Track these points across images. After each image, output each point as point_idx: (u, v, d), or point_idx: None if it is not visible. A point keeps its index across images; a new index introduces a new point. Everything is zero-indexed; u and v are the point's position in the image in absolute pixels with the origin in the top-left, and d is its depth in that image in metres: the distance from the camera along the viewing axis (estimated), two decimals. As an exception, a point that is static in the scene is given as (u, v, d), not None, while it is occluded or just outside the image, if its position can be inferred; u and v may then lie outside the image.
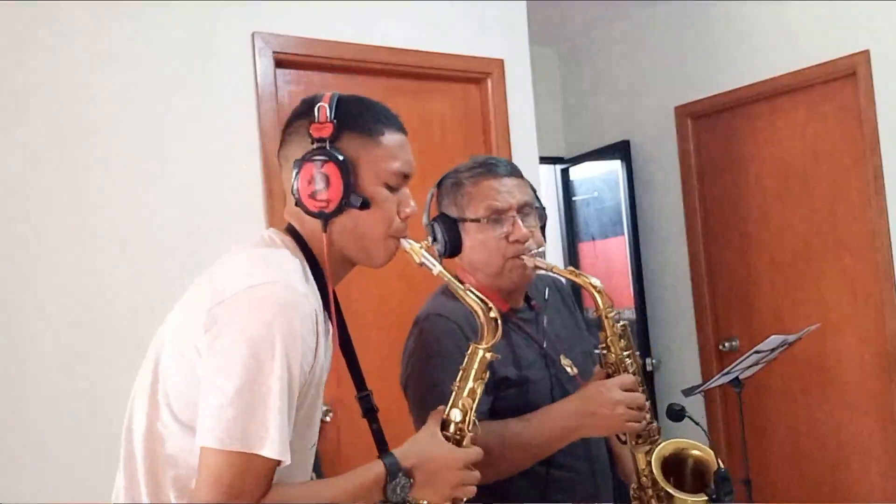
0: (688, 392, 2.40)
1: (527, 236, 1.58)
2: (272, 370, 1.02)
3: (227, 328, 1.04)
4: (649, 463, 1.53)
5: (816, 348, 3.26)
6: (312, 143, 1.17)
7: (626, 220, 3.89)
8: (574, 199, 4.33)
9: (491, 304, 1.23)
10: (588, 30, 4.19)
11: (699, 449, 1.57)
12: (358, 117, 1.20)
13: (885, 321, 3.07)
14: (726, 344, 3.63)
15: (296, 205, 1.19)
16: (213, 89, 2.39)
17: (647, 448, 1.55)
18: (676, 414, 1.57)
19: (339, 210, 1.16)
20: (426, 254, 1.22)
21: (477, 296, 1.23)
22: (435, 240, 1.62)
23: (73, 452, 2.07)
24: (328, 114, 1.17)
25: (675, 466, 1.56)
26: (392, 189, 1.21)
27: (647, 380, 3.78)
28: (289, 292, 1.07)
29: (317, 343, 1.09)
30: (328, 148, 1.16)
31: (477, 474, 1.19)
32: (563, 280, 1.77)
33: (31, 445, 2.04)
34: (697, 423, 1.52)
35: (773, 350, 2.29)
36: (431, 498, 1.17)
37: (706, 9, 3.63)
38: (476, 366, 1.23)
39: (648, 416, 1.54)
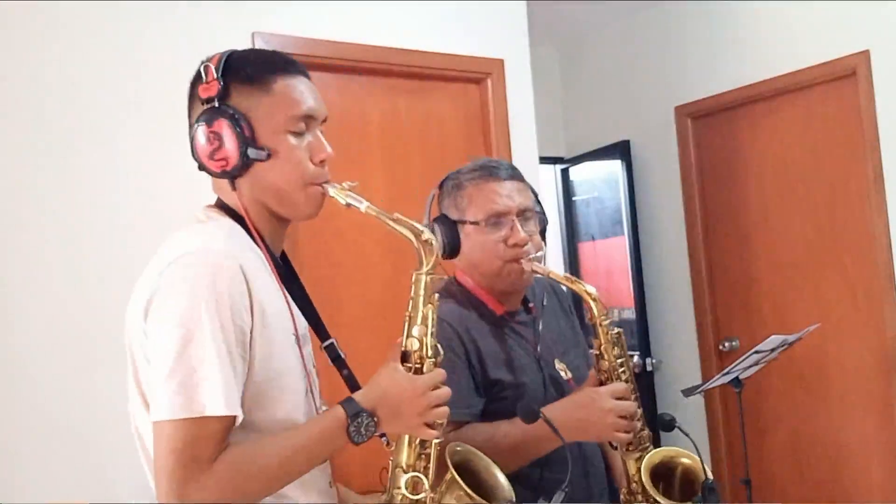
0: (688, 392, 2.40)
1: (525, 240, 1.58)
2: (203, 333, 1.03)
3: (156, 308, 1.07)
4: (639, 469, 1.54)
5: (816, 348, 3.26)
6: (203, 105, 1.16)
7: (626, 220, 3.89)
8: (574, 199, 4.33)
9: (422, 228, 1.20)
10: (588, 30, 4.19)
11: (688, 457, 1.57)
12: (244, 69, 1.17)
13: (885, 321, 3.06)
14: (726, 344, 3.63)
15: (200, 169, 1.18)
16: (213, 89, 2.39)
17: (638, 455, 1.54)
18: (667, 424, 1.57)
19: (243, 166, 1.15)
20: (351, 193, 1.18)
21: (406, 222, 1.19)
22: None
23: (74, 452, 2.07)
24: (214, 73, 1.15)
25: (665, 474, 1.56)
26: (298, 135, 1.18)
27: (647, 380, 3.79)
28: (206, 256, 1.08)
29: (251, 298, 1.08)
30: (217, 106, 1.14)
31: (445, 392, 1.17)
32: (563, 286, 1.78)
33: (31, 445, 2.04)
34: (687, 434, 1.52)
35: (773, 350, 2.29)
36: (402, 430, 1.17)
37: (706, 9, 3.63)
38: (422, 292, 1.20)
39: (640, 423, 1.53)
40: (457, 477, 1.23)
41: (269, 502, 1.10)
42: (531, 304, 1.73)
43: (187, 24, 2.37)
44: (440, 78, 2.92)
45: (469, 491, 1.23)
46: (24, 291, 2.08)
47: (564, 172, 4.36)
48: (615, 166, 3.99)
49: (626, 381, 1.52)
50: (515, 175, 1.66)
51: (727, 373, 2.27)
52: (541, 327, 1.69)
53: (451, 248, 1.59)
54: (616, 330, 1.53)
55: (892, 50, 2.97)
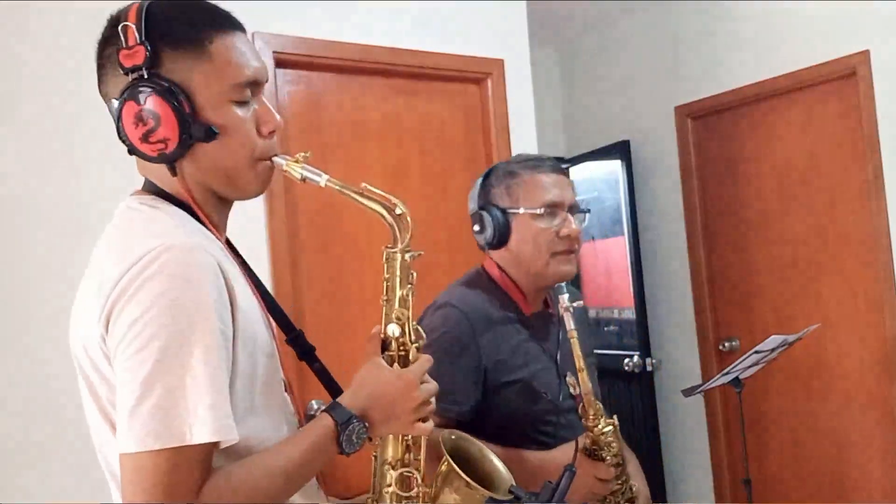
0: (688, 392, 2.40)
1: (577, 232, 1.60)
2: (184, 343, 0.87)
3: (122, 315, 0.89)
4: None
5: (816, 348, 3.26)
6: (127, 75, 0.97)
7: (626, 220, 3.89)
8: (580, 202, 4.32)
9: (395, 201, 1.07)
10: (588, 30, 4.19)
11: None
12: (174, 29, 0.98)
13: (885, 321, 3.06)
14: (726, 344, 3.63)
15: (130, 153, 1.01)
16: (213, 89, 2.39)
17: None
18: None
19: (184, 147, 0.98)
20: (307, 166, 1.05)
21: (375, 195, 1.07)
22: (482, 229, 1.62)
23: (74, 452, 2.07)
24: (136, 35, 0.95)
25: None
26: (243, 104, 1.01)
27: (647, 380, 3.79)
28: (177, 251, 0.91)
29: (231, 296, 0.95)
30: (146, 77, 0.96)
31: (434, 385, 1.07)
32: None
33: (30, 445, 2.04)
34: None
35: (773, 350, 2.29)
36: (395, 431, 1.07)
37: (706, 9, 3.63)
38: (399, 272, 1.09)
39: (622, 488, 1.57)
40: (455, 467, 1.17)
41: None
42: (551, 310, 1.72)
43: (187, 24, 2.36)
44: (440, 78, 2.92)
45: (469, 480, 1.16)
46: (24, 291, 2.08)
47: (564, 172, 4.35)
48: (615, 166, 3.98)
49: (618, 464, 1.54)
50: (563, 171, 1.68)
51: (727, 373, 2.27)
52: (561, 337, 1.67)
53: (501, 237, 1.59)
54: (608, 427, 1.54)
55: (892, 50, 2.97)
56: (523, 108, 3.09)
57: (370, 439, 1.06)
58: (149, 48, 0.96)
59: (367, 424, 1.01)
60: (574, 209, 1.63)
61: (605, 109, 4.19)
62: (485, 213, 1.61)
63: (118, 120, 0.98)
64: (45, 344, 2.08)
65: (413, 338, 1.09)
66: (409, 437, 1.10)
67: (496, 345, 1.56)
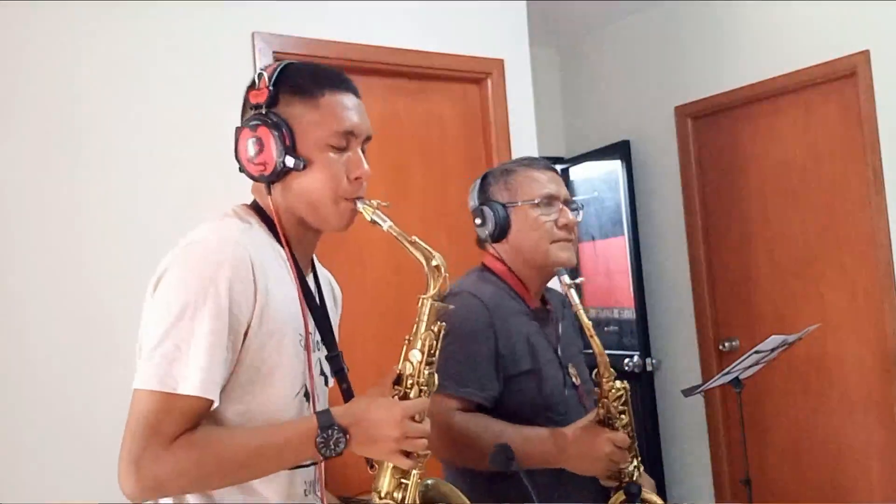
0: (688, 392, 2.40)
1: (574, 222, 1.67)
2: (196, 314, 1.06)
3: (160, 286, 1.12)
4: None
5: (816, 348, 3.26)
6: (251, 110, 1.21)
7: (626, 220, 3.89)
8: (574, 198, 4.32)
9: (434, 254, 1.21)
10: (588, 30, 4.19)
11: None
12: (296, 80, 1.21)
13: (885, 321, 3.06)
14: (726, 344, 3.63)
15: (240, 171, 1.23)
16: (213, 89, 2.38)
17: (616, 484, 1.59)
18: (633, 496, 1.58)
19: (279, 173, 1.18)
20: (378, 211, 1.21)
21: (421, 247, 1.21)
22: (484, 223, 1.68)
23: (74, 452, 2.07)
24: (267, 80, 1.20)
25: None
26: (339, 150, 1.20)
27: (647, 380, 3.79)
28: (216, 243, 1.12)
29: (256, 289, 1.11)
30: (263, 112, 1.18)
31: (425, 426, 1.16)
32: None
33: (31, 445, 2.04)
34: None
35: (773, 350, 2.29)
36: (375, 454, 1.16)
37: (706, 9, 3.63)
38: (426, 317, 1.20)
39: (631, 462, 1.57)
40: None
41: (237, 496, 1.13)
42: (549, 307, 1.77)
43: (187, 24, 2.37)
44: (440, 78, 2.92)
45: None
46: (25, 290, 2.07)
47: (564, 172, 4.35)
48: (615, 166, 3.98)
49: (629, 435, 1.54)
50: (555, 170, 1.76)
51: (727, 373, 2.27)
52: (560, 330, 1.73)
53: (501, 230, 1.67)
54: (622, 388, 1.55)
55: (892, 50, 2.97)
56: (523, 108, 3.09)
57: (367, 459, 1.18)
58: (272, 91, 1.19)
59: (347, 436, 1.11)
60: (568, 203, 1.70)
61: (605, 109, 4.19)
62: (486, 208, 1.69)
63: (236, 142, 1.21)
64: (45, 343, 2.08)
65: (422, 380, 1.18)
66: (405, 472, 1.17)
67: (510, 334, 1.60)
